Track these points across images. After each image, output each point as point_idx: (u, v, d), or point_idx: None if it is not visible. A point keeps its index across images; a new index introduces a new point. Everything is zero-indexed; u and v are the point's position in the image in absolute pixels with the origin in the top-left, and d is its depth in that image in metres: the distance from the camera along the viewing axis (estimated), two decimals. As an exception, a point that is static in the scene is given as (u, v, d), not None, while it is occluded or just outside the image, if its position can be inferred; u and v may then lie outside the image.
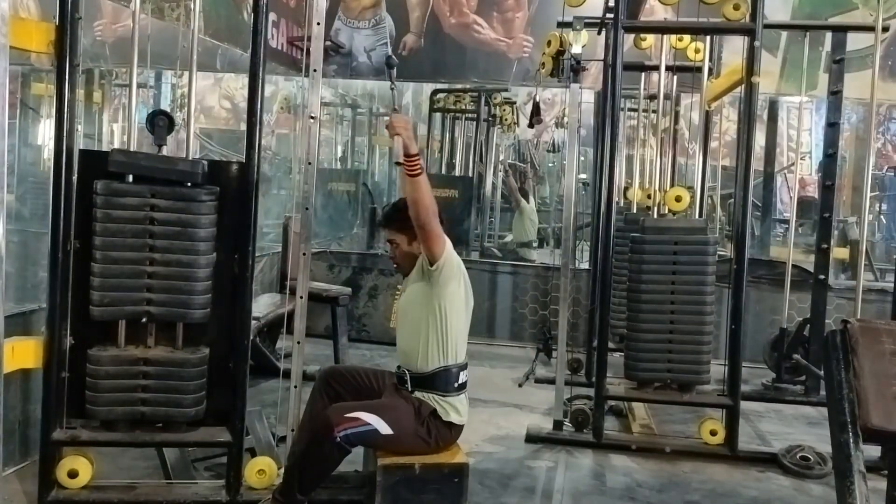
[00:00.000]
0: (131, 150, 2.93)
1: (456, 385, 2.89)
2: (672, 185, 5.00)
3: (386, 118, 10.26)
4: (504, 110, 9.13)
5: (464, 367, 2.91)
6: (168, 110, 3.05)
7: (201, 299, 2.90)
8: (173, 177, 2.87)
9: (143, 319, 2.87)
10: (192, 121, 3.08)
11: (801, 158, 8.83)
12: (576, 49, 4.33)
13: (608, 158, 4.26)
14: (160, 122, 2.92)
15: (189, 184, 2.88)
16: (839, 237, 7.02)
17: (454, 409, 2.87)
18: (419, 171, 2.69)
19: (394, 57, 3.21)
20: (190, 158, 2.96)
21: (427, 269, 2.82)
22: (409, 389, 2.88)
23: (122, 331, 2.88)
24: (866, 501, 2.35)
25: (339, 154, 10.65)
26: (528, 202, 9.04)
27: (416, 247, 2.93)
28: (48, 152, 4.53)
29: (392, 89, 2.90)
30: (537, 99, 4.98)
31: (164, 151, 2.96)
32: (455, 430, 2.89)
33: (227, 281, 2.97)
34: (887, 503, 2.66)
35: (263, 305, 4.91)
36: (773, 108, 8.06)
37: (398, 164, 2.71)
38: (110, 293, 2.83)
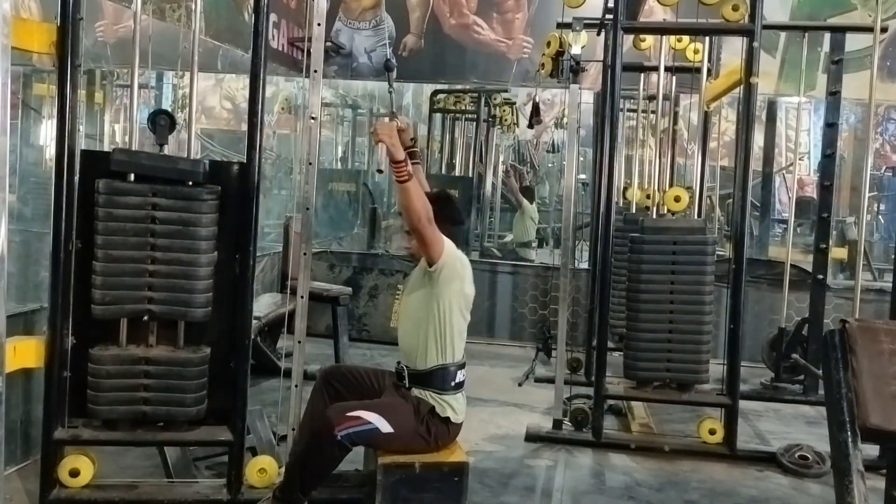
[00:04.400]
0: (133, 149, 2.94)
1: (453, 384, 2.90)
2: (671, 186, 5.02)
3: (386, 119, 10.27)
4: (504, 111, 9.14)
5: (462, 366, 2.92)
6: (169, 111, 3.05)
7: (202, 298, 2.91)
8: (175, 176, 2.88)
9: (145, 318, 2.88)
10: (193, 121, 3.09)
11: (800, 159, 8.87)
12: (575, 50, 4.34)
13: (607, 159, 4.27)
14: (162, 122, 2.93)
15: (190, 183, 2.89)
16: (838, 237, 7.04)
17: (451, 406, 2.88)
18: (406, 177, 2.69)
19: (392, 60, 3.22)
20: (191, 158, 2.97)
21: (427, 270, 2.84)
22: (407, 386, 2.90)
23: (123, 329, 2.89)
24: (865, 500, 2.35)
25: (340, 154, 10.66)
26: (531, 202, 9.04)
27: None
28: (50, 152, 4.53)
29: (390, 92, 2.90)
30: (537, 99, 5.00)
31: (166, 151, 2.97)
32: (453, 427, 2.90)
33: (229, 281, 2.97)
34: (886, 502, 2.67)
35: (264, 305, 4.92)
36: (771, 108, 8.06)
37: (379, 171, 2.70)
38: (112, 292, 2.84)
